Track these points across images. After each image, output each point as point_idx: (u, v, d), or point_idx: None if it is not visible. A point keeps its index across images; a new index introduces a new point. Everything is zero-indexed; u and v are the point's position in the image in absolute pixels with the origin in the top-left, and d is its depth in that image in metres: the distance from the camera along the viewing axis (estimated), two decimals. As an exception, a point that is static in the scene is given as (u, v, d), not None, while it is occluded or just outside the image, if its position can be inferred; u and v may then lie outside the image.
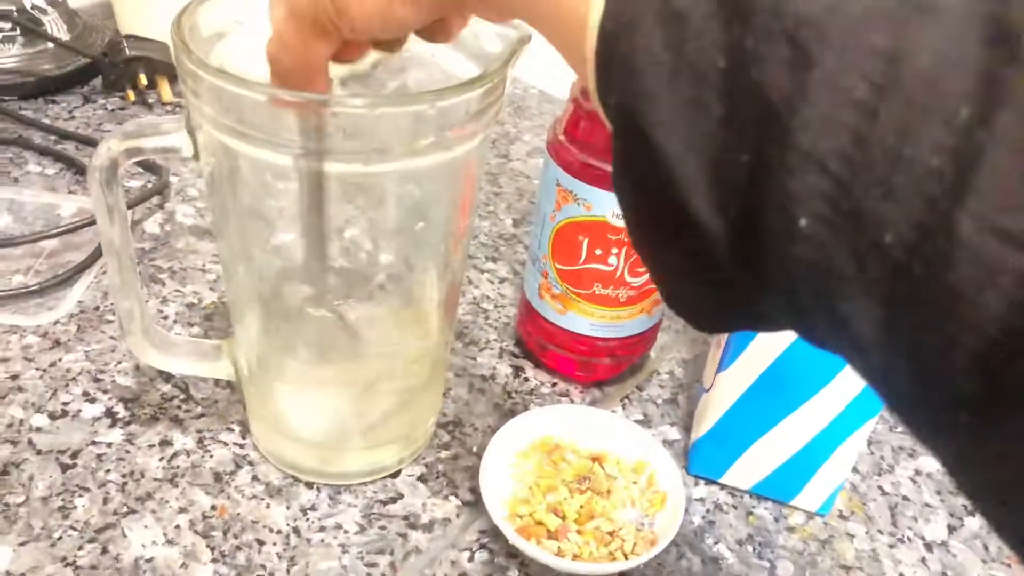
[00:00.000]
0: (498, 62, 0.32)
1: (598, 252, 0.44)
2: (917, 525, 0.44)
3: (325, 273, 0.36)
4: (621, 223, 0.42)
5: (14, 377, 0.45)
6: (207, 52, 0.35)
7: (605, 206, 0.42)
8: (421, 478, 0.43)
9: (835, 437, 0.41)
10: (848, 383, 0.39)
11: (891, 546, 0.43)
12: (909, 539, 0.43)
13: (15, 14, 0.65)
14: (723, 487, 0.45)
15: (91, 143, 0.63)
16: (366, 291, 0.38)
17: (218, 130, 0.31)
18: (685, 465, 0.45)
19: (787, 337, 0.39)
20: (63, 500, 0.39)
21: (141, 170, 0.61)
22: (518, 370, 0.50)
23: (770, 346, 0.40)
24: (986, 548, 0.43)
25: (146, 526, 0.39)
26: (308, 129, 0.29)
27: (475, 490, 0.42)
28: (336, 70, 0.39)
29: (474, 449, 0.45)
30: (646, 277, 0.45)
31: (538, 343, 0.50)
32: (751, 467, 0.44)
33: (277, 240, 0.34)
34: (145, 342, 0.38)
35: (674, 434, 0.47)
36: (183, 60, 0.30)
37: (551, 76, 0.79)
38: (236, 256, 0.36)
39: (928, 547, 0.43)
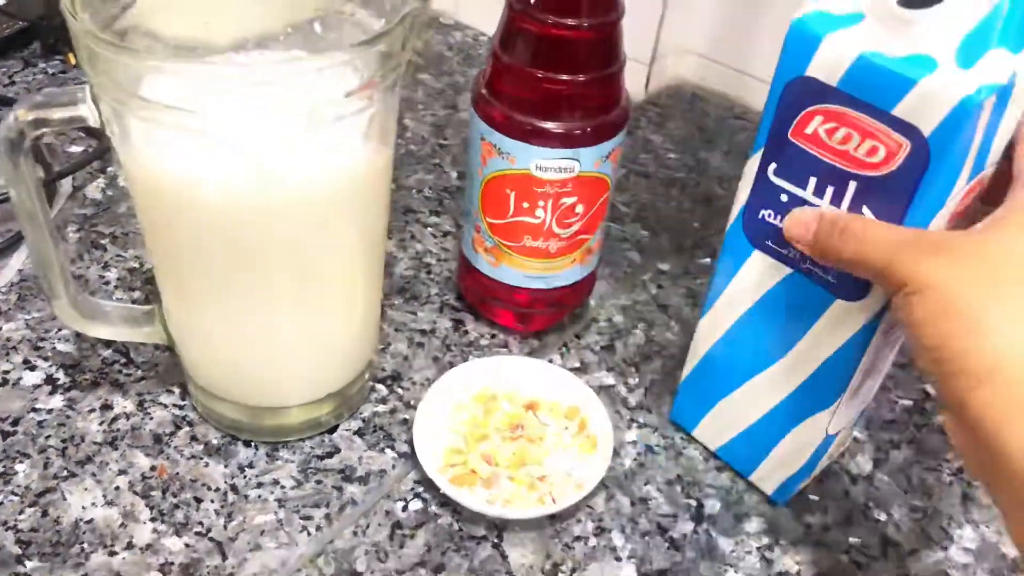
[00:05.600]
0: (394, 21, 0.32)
1: (525, 205, 0.44)
2: (843, 460, 0.45)
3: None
4: (545, 175, 0.43)
5: (-45, 348, 0.45)
6: (112, 17, 0.35)
7: (528, 159, 0.43)
8: (358, 432, 0.44)
9: (793, 414, 0.40)
10: (813, 351, 0.38)
11: (819, 480, 0.44)
12: (835, 472, 0.45)
13: (-54, -21, 0.64)
14: (656, 430, 0.46)
15: (32, 109, 0.63)
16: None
17: (115, 101, 0.31)
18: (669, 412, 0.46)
19: (762, 286, 0.39)
20: (3, 467, 0.40)
21: (83, 135, 0.61)
22: (458, 323, 0.51)
23: (744, 294, 0.40)
24: (908, 480, 0.45)
25: (86, 489, 0.40)
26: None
27: (411, 442, 0.43)
28: (273, 24, 0.39)
29: (412, 403, 0.46)
30: (575, 228, 0.45)
31: (477, 296, 0.51)
32: (719, 426, 0.44)
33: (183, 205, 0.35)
34: (73, 310, 0.39)
35: (610, 380, 0.48)
36: (73, 26, 0.30)
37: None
38: (150, 220, 0.37)
39: (853, 480, 0.44)
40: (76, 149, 0.60)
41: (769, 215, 0.38)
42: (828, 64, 0.33)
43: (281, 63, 0.34)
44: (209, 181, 0.32)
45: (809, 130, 0.34)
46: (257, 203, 0.33)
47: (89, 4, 0.32)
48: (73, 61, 0.68)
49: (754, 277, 0.39)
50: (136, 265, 0.52)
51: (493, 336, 0.50)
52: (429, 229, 0.58)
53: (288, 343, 0.39)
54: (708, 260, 0.57)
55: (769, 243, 0.38)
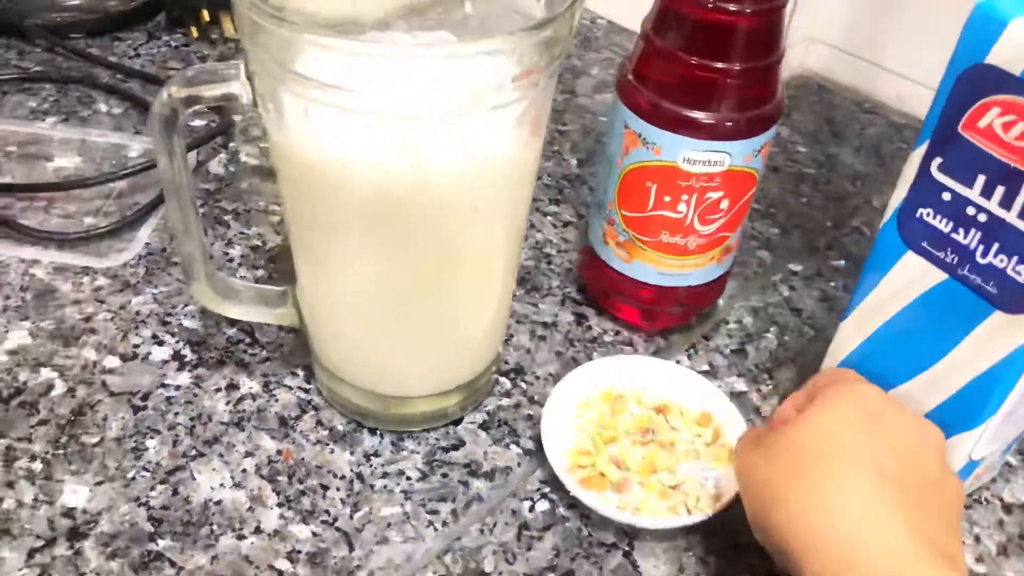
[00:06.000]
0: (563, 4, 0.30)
1: (667, 199, 0.42)
2: (996, 487, 0.42)
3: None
4: (692, 168, 0.41)
5: (87, 319, 0.46)
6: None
7: (675, 150, 0.40)
8: (483, 426, 0.43)
9: (944, 427, 0.37)
10: (962, 366, 0.35)
11: (967, 507, 0.41)
12: (987, 500, 0.42)
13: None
14: (791, 441, 0.43)
15: (156, 81, 0.63)
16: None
17: (273, 78, 0.30)
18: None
19: (913, 290, 0.37)
20: (135, 441, 0.40)
21: (205, 109, 0.61)
22: (581, 318, 0.49)
23: (892, 298, 0.37)
24: (1070, 512, 0.41)
25: (214, 469, 0.39)
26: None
27: (536, 439, 0.41)
28: (394, 4, 0.38)
29: (535, 398, 0.44)
30: (717, 224, 0.43)
31: (602, 290, 0.49)
32: None
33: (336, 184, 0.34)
34: (208, 288, 0.39)
35: (741, 386, 0.46)
36: (236, 3, 0.29)
37: (620, 6, 0.76)
38: (297, 199, 0.36)
39: (1007, 509, 0.41)
40: (199, 124, 0.60)
41: (928, 214, 0.35)
42: (1012, 50, 0.30)
43: (446, 44, 0.32)
44: (363, 161, 0.31)
45: (983, 123, 0.32)
46: (409, 186, 0.32)
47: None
48: (195, 35, 0.68)
49: (905, 280, 0.37)
50: (259, 243, 0.51)
51: (617, 332, 0.48)
52: (549, 218, 0.56)
53: (423, 330, 0.38)
54: (843, 262, 0.54)
55: (925, 245, 0.35)
